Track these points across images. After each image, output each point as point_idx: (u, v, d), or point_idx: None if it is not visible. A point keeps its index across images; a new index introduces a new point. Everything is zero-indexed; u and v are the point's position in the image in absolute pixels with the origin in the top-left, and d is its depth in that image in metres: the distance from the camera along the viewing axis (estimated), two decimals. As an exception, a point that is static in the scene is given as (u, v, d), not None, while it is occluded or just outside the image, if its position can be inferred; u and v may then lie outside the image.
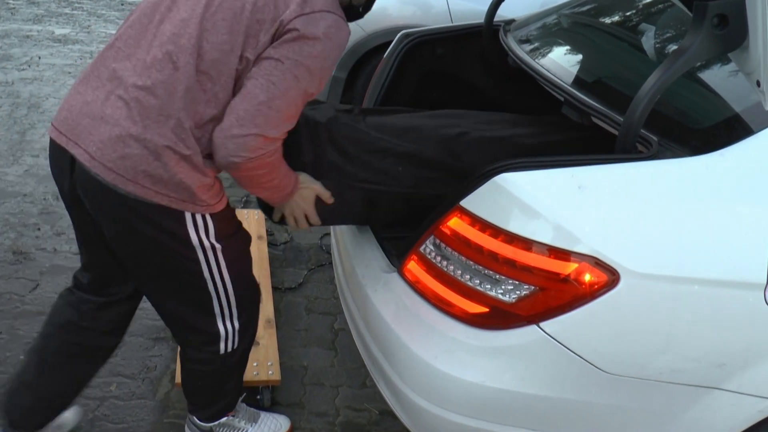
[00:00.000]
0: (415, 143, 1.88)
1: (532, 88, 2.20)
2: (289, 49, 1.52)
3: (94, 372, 1.99)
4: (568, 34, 2.31)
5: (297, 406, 2.34)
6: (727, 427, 1.50)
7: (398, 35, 2.41)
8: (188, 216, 1.61)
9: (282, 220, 1.88)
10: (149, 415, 2.26)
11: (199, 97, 1.54)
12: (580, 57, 2.15)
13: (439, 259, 1.54)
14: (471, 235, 1.46)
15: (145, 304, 1.99)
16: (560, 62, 2.03)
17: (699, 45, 1.42)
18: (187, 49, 1.53)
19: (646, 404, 1.48)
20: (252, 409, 2.16)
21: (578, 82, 1.91)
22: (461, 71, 2.50)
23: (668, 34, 2.09)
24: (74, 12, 7.02)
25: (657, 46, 2.03)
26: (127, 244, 1.67)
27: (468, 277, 1.49)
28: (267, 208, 1.87)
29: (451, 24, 3.45)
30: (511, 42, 2.23)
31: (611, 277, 1.38)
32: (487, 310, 1.48)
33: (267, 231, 3.22)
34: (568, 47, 2.21)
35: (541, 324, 1.43)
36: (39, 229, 3.22)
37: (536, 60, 2.05)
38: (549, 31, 2.33)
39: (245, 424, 2.08)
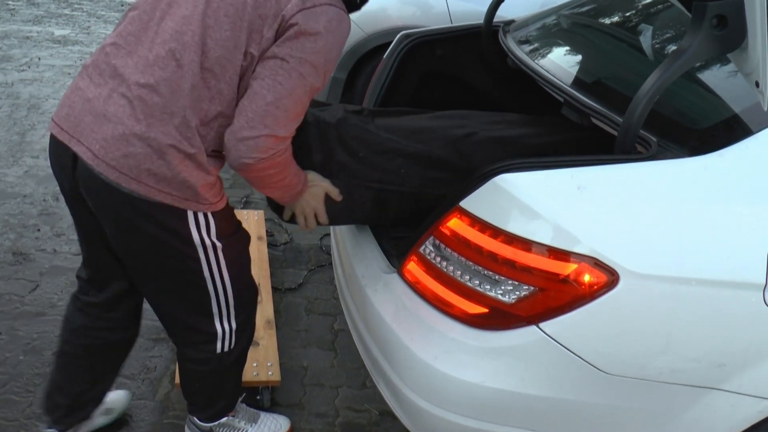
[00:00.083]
0: (424, 144, 1.89)
1: (532, 89, 2.20)
2: (293, 47, 1.52)
3: (123, 360, 2.05)
4: (567, 35, 2.31)
5: (297, 406, 2.34)
6: (726, 427, 1.50)
7: (398, 36, 2.41)
8: (190, 214, 1.61)
9: (292, 219, 1.88)
10: (149, 415, 2.27)
11: (203, 95, 1.54)
12: (579, 58, 2.15)
13: (438, 259, 1.54)
14: (470, 235, 1.47)
15: (145, 305, 1.99)
16: (559, 63, 2.03)
17: (698, 45, 1.42)
18: (191, 47, 1.53)
19: (646, 404, 1.48)
20: (252, 409, 2.16)
21: (577, 82, 1.91)
22: (461, 72, 2.50)
23: (667, 35, 2.10)
24: (74, 13, 7.03)
25: (656, 46, 2.03)
26: (128, 242, 1.68)
27: (468, 277, 1.49)
28: (277, 208, 1.88)
29: (450, 25, 3.45)
30: (510, 43, 2.23)
31: (611, 278, 1.38)
32: (486, 310, 1.48)
33: (267, 232, 3.22)
34: (567, 48, 2.21)
35: (541, 324, 1.43)
36: (39, 230, 3.22)
37: (535, 61, 2.05)
38: (548, 31, 2.33)
39: (245, 424, 2.09)
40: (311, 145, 1.80)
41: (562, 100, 1.89)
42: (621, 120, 1.51)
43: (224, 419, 2.04)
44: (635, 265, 1.38)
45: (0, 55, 5.59)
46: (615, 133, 1.58)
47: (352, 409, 2.35)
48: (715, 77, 1.79)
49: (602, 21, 2.38)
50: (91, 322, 1.91)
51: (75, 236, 3.11)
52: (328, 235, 3.27)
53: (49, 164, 1.72)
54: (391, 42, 2.44)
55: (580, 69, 2.03)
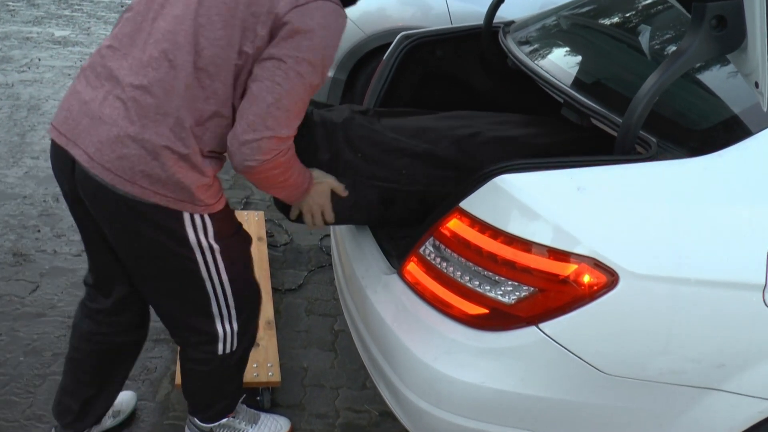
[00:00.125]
0: (430, 143, 1.90)
1: (532, 90, 2.20)
2: (288, 47, 1.51)
3: (131, 365, 2.06)
4: (567, 36, 2.31)
5: (297, 407, 2.34)
6: (726, 427, 1.50)
7: (398, 37, 2.42)
8: (186, 216, 1.61)
9: (299, 219, 1.88)
10: (149, 416, 2.27)
11: (198, 95, 1.54)
12: (579, 58, 2.15)
13: (438, 260, 1.54)
14: (470, 236, 1.47)
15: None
16: (559, 64, 2.03)
17: (697, 46, 1.42)
18: (184, 47, 1.53)
19: (646, 405, 1.48)
20: (252, 410, 2.16)
21: (577, 83, 1.92)
22: (461, 73, 2.50)
23: (667, 36, 2.10)
24: (74, 14, 7.03)
25: (656, 47, 2.03)
26: (127, 243, 1.68)
27: (467, 278, 1.49)
28: (284, 208, 1.88)
29: (450, 25, 3.45)
30: (510, 43, 2.23)
31: (610, 278, 1.38)
32: (486, 311, 1.48)
33: (267, 232, 3.22)
34: (567, 49, 2.21)
35: (541, 325, 1.43)
36: (39, 231, 3.22)
37: (535, 61, 2.05)
38: (548, 32, 2.33)
39: (246, 425, 2.09)
40: (318, 144, 1.80)
41: (561, 100, 1.89)
42: (621, 121, 1.51)
43: (224, 420, 2.04)
44: (635, 265, 1.38)
45: (0, 56, 5.59)
46: (614, 133, 1.58)
47: (353, 410, 2.35)
48: (714, 78, 1.79)
49: (602, 22, 2.38)
50: (98, 328, 1.93)
51: (75, 237, 3.13)
52: (328, 236, 3.27)
53: (51, 166, 1.73)
54: (391, 43, 2.44)
55: (579, 70, 2.03)
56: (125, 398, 2.22)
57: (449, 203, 1.51)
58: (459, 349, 1.50)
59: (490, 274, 1.45)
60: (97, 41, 6.15)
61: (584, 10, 2.43)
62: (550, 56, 2.12)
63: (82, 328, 1.95)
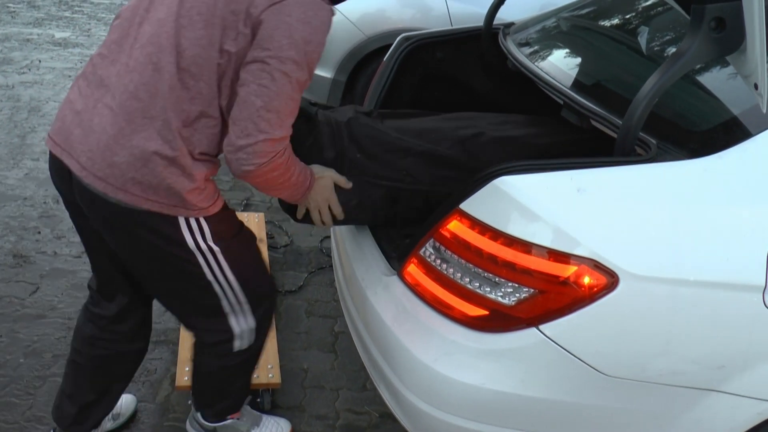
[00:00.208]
0: (433, 143, 1.90)
1: (532, 91, 2.20)
2: (270, 47, 1.49)
3: (133, 371, 2.06)
4: (567, 38, 2.31)
5: (297, 409, 2.34)
6: (726, 429, 1.50)
7: (398, 38, 2.42)
8: (182, 221, 1.61)
9: (305, 219, 1.87)
10: (149, 418, 2.27)
11: (183, 96, 1.53)
12: (579, 60, 2.15)
13: (438, 262, 1.54)
14: (470, 238, 1.47)
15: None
16: (559, 65, 2.04)
17: (697, 48, 1.43)
18: (166, 49, 1.52)
19: (646, 406, 1.48)
20: (255, 411, 2.16)
21: (577, 85, 1.92)
22: (461, 74, 2.51)
23: (666, 38, 2.10)
24: (74, 15, 7.04)
25: (655, 49, 2.04)
26: (129, 250, 1.69)
27: (468, 280, 1.49)
28: (289, 209, 1.88)
29: (450, 27, 3.46)
30: (510, 45, 2.23)
31: (610, 280, 1.38)
32: (486, 312, 1.48)
33: (267, 234, 3.22)
34: (567, 50, 2.21)
35: (541, 327, 1.43)
36: (39, 232, 3.22)
37: (535, 63, 2.06)
38: (548, 34, 2.33)
39: (249, 427, 2.09)
40: (323, 143, 1.80)
41: (561, 102, 1.89)
42: (620, 122, 1.51)
43: (229, 421, 2.04)
44: (635, 267, 1.38)
45: (0, 58, 5.59)
46: (614, 135, 1.59)
47: (353, 412, 2.35)
48: (714, 80, 1.79)
49: (602, 24, 2.38)
50: (100, 333, 1.93)
51: (75, 239, 3.13)
52: (329, 237, 3.28)
53: (49, 168, 1.74)
54: (391, 44, 2.44)
55: (579, 71, 2.03)
56: (125, 401, 2.22)
57: (449, 205, 1.52)
58: (459, 351, 1.50)
59: (491, 275, 1.45)
60: (97, 43, 6.16)
61: (584, 11, 2.43)
62: (550, 58, 2.12)
63: (84, 331, 1.95)
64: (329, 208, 1.82)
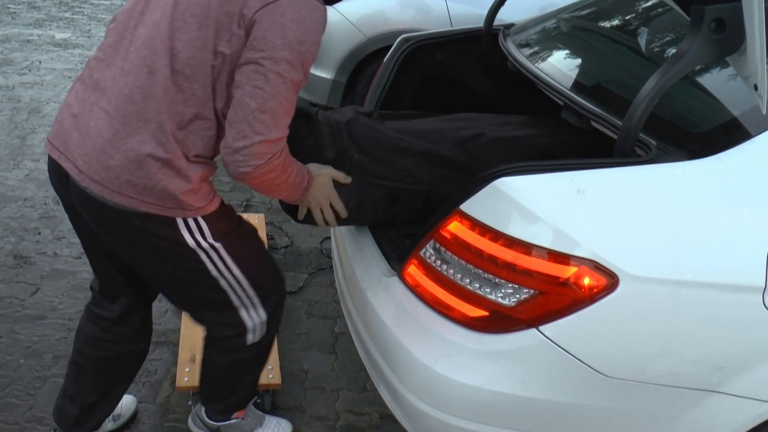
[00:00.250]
0: (434, 144, 1.90)
1: (532, 92, 2.20)
2: (263, 48, 1.48)
3: (134, 373, 2.07)
4: (567, 38, 2.32)
5: (297, 410, 2.34)
6: (726, 430, 1.50)
7: (398, 39, 2.42)
8: (180, 221, 1.61)
9: (307, 219, 1.87)
10: (150, 418, 2.27)
11: (177, 98, 1.53)
12: (579, 61, 2.15)
13: (439, 263, 1.54)
14: (471, 239, 1.47)
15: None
16: (559, 66, 2.04)
17: (697, 49, 1.43)
18: (160, 51, 1.52)
19: (646, 407, 1.49)
20: (259, 412, 2.16)
21: (577, 86, 1.92)
22: (461, 75, 2.51)
23: (666, 38, 2.10)
24: (75, 16, 7.04)
25: (655, 50, 2.04)
26: (131, 253, 1.69)
27: (468, 280, 1.49)
28: (290, 209, 1.87)
29: (450, 28, 3.46)
30: (510, 46, 2.23)
31: (610, 281, 1.38)
32: (486, 313, 1.48)
33: (267, 235, 3.22)
34: (567, 51, 2.21)
35: (541, 327, 1.43)
36: (39, 233, 3.23)
37: (535, 64, 2.06)
38: (548, 35, 2.34)
39: (252, 428, 2.09)
40: (324, 143, 1.81)
41: (561, 103, 1.89)
42: (620, 123, 1.51)
43: (234, 421, 2.04)
44: (635, 268, 1.38)
45: (1, 59, 5.60)
46: (615, 136, 1.59)
47: (353, 412, 2.35)
48: (713, 81, 1.79)
49: (602, 24, 2.38)
50: (102, 334, 1.93)
51: (76, 240, 3.13)
52: (329, 238, 3.28)
53: (48, 171, 1.74)
54: (391, 45, 2.44)
55: (579, 72, 2.04)
56: (126, 402, 2.22)
57: (449, 206, 1.52)
58: (459, 352, 1.50)
59: (491, 276, 1.45)
60: (97, 43, 6.16)
61: (584, 12, 2.43)
62: (550, 59, 2.12)
63: (87, 332, 1.95)
64: (331, 206, 1.81)
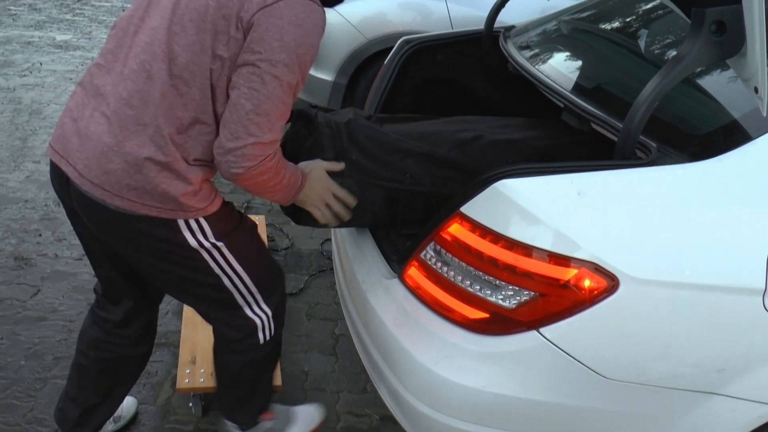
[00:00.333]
0: (433, 146, 1.90)
1: (532, 95, 2.21)
2: (260, 50, 1.48)
3: (137, 375, 2.07)
4: (567, 41, 2.32)
5: (298, 411, 2.34)
6: (727, 432, 1.50)
7: (399, 41, 2.42)
8: (181, 223, 1.61)
9: (306, 221, 1.85)
10: (150, 420, 2.27)
11: (176, 102, 1.53)
12: (579, 63, 2.16)
13: (439, 265, 1.55)
14: (471, 241, 1.47)
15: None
16: (560, 68, 2.04)
17: (697, 51, 1.43)
18: (159, 56, 1.53)
19: (646, 409, 1.49)
20: (284, 407, 2.17)
21: (578, 88, 1.92)
22: (461, 77, 2.51)
23: (667, 41, 2.10)
24: (75, 18, 7.05)
25: (656, 52, 2.04)
26: (133, 255, 1.69)
27: (468, 282, 1.49)
28: (291, 212, 1.87)
29: (451, 30, 3.46)
30: (511, 48, 2.24)
31: (611, 283, 1.38)
32: (487, 315, 1.49)
33: (268, 237, 3.22)
34: (567, 53, 2.22)
35: (542, 329, 1.44)
36: (40, 234, 3.23)
37: (536, 66, 2.06)
38: (549, 37, 2.34)
39: (285, 426, 2.10)
40: (323, 144, 1.80)
41: (562, 105, 1.90)
42: (621, 125, 1.51)
43: (264, 422, 2.04)
44: (635, 270, 1.38)
45: (2, 61, 5.60)
46: (615, 138, 1.59)
47: (353, 414, 2.35)
48: (714, 83, 1.80)
49: (602, 27, 2.39)
50: (105, 337, 1.94)
51: (76, 241, 3.13)
52: (329, 240, 3.28)
53: (49, 175, 1.75)
54: (392, 47, 2.44)
55: (580, 74, 2.04)
56: (126, 403, 2.22)
57: (450, 208, 1.52)
58: (460, 354, 1.51)
59: (491, 278, 1.45)
60: (98, 45, 6.17)
61: (584, 14, 2.44)
62: (550, 61, 2.12)
63: (90, 334, 1.96)
64: (335, 198, 1.78)
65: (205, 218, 1.64)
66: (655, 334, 1.42)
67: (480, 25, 2.46)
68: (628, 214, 1.41)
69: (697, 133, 1.66)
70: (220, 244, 1.67)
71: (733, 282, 1.39)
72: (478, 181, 1.47)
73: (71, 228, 3.22)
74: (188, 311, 2.47)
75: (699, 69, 1.71)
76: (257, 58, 1.49)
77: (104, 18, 7.11)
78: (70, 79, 5.29)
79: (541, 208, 1.41)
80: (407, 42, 2.39)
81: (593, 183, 1.42)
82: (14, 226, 3.28)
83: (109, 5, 7.58)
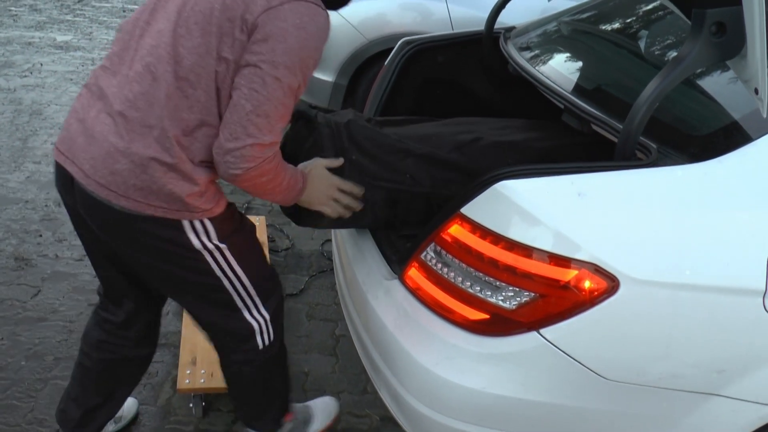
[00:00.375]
0: (434, 147, 1.90)
1: (533, 96, 2.21)
2: (263, 51, 1.48)
3: (139, 377, 2.08)
4: (568, 42, 2.32)
5: (298, 412, 2.34)
6: (727, 433, 1.50)
7: (399, 42, 2.42)
8: (186, 223, 1.62)
9: (307, 221, 1.85)
10: (151, 421, 2.27)
11: (181, 104, 1.54)
12: (579, 64, 2.16)
13: (440, 266, 1.55)
14: (471, 242, 1.47)
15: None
16: (560, 69, 2.04)
17: (697, 53, 1.43)
18: (164, 58, 1.53)
19: (646, 410, 1.49)
20: (300, 404, 2.18)
21: (578, 89, 1.92)
22: (462, 78, 2.51)
23: (667, 42, 2.10)
24: (76, 19, 7.05)
25: (656, 53, 2.04)
26: (135, 257, 1.70)
27: (469, 284, 1.49)
28: (291, 213, 1.86)
29: (451, 31, 3.46)
30: (511, 49, 2.24)
31: (611, 284, 1.38)
32: (487, 316, 1.49)
33: (268, 237, 3.23)
34: (567, 54, 2.22)
35: (542, 330, 1.44)
36: (41, 235, 3.23)
37: (536, 67, 2.06)
38: (549, 38, 2.34)
39: (306, 423, 2.11)
40: (323, 144, 1.80)
41: (562, 106, 1.90)
42: (621, 127, 1.51)
43: (287, 424, 2.05)
44: (635, 271, 1.38)
45: (2, 61, 5.61)
46: (615, 139, 1.59)
47: (354, 415, 2.35)
48: (714, 84, 1.80)
49: (603, 28, 2.39)
50: (108, 338, 1.95)
51: (77, 242, 3.13)
52: (330, 240, 3.28)
53: (55, 181, 1.75)
54: (392, 48, 2.45)
55: (580, 76, 2.04)
56: (127, 404, 2.22)
57: (450, 209, 1.52)
58: (460, 355, 1.51)
59: (491, 279, 1.46)
60: (98, 46, 6.17)
61: (585, 15, 2.44)
62: (550, 62, 2.13)
63: (93, 335, 1.97)
64: (341, 192, 1.77)
65: (210, 219, 1.64)
66: (656, 335, 1.42)
67: (480, 26, 2.47)
68: (628, 215, 1.41)
69: (697, 134, 1.66)
70: (222, 245, 1.68)
71: (734, 283, 1.39)
72: (478, 182, 1.47)
73: (71, 229, 3.23)
74: (189, 312, 2.47)
75: (699, 70, 1.71)
76: (259, 59, 1.49)
77: (105, 19, 7.11)
78: (71, 79, 5.29)
79: (541, 209, 1.41)
80: (408, 43, 2.40)
81: (593, 184, 1.43)
82: (15, 227, 3.28)
83: (109, 6, 7.59)
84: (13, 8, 7.26)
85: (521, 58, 2.15)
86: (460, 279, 1.50)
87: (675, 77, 1.45)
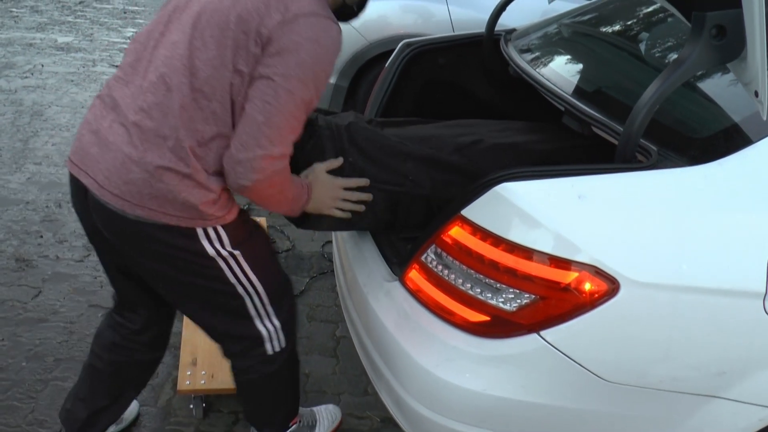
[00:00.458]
0: (434, 149, 1.91)
1: (533, 98, 2.21)
2: (276, 64, 1.50)
3: (146, 380, 2.09)
4: (568, 44, 2.32)
5: (298, 413, 2.34)
6: (727, 435, 1.50)
7: (400, 44, 2.43)
8: (200, 231, 1.62)
9: (308, 224, 1.85)
10: (151, 422, 2.27)
11: (196, 116, 1.54)
12: (580, 66, 2.16)
13: (440, 268, 1.55)
14: (472, 244, 1.47)
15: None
16: (561, 72, 2.04)
17: (698, 55, 1.43)
18: (179, 69, 1.54)
19: (647, 412, 1.49)
20: (306, 409, 2.19)
21: (578, 91, 1.92)
22: (462, 80, 2.51)
23: (667, 45, 2.11)
24: (77, 20, 7.06)
25: (656, 56, 2.04)
26: (149, 266, 1.70)
27: (469, 285, 1.49)
28: (300, 222, 1.86)
29: (452, 33, 3.47)
30: (512, 51, 2.24)
31: (611, 286, 1.38)
32: (488, 318, 1.49)
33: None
34: (568, 57, 2.22)
35: (542, 333, 1.44)
36: (41, 236, 3.23)
37: (537, 69, 2.06)
38: (550, 40, 2.34)
39: (311, 426, 2.12)
40: (324, 146, 1.80)
41: (563, 108, 1.90)
42: (621, 129, 1.51)
43: (293, 427, 2.06)
44: (636, 273, 1.38)
45: (3, 63, 5.61)
46: (615, 142, 1.59)
47: (354, 416, 2.35)
48: (714, 87, 1.80)
49: (603, 30, 2.39)
50: (120, 341, 1.96)
51: (77, 243, 3.14)
52: (330, 242, 3.28)
53: (70, 194, 1.75)
54: (393, 50, 2.45)
55: (581, 78, 2.04)
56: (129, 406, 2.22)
57: (451, 211, 1.52)
58: (460, 356, 1.51)
59: (492, 281, 1.46)
60: (99, 47, 6.18)
61: (585, 18, 2.44)
62: (551, 64, 2.13)
63: (106, 337, 1.97)
64: (347, 191, 1.77)
65: (223, 227, 1.65)
66: (656, 337, 1.42)
67: (481, 28, 2.47)
68: (628, 218, 1.41)
69: (697, 137, 1.66)
70: (236, 252, 1.68)
71: (734, 285, 1.39)
72: (478, 184, 1.47)
73: (72, 230, 3.24)
74: (189, 313, 2.47)
75: (699, 73, 1.71)
76: (272, 71, 1.50)
77: (105, 20, 7.11)
78: (72, 81, 5.29)
79: (541, 212, 1.41)
80: (408, 45, 2.40)
81: (594, 186, 1.43)
82: (15, 228, 3.28)
83: (110, 7, 7.59)
84: (14, 9, 7.26)
85: (522, 61, 2.15)
86: (460, 281, 1.51)
87: (675, 80, 1.45)
